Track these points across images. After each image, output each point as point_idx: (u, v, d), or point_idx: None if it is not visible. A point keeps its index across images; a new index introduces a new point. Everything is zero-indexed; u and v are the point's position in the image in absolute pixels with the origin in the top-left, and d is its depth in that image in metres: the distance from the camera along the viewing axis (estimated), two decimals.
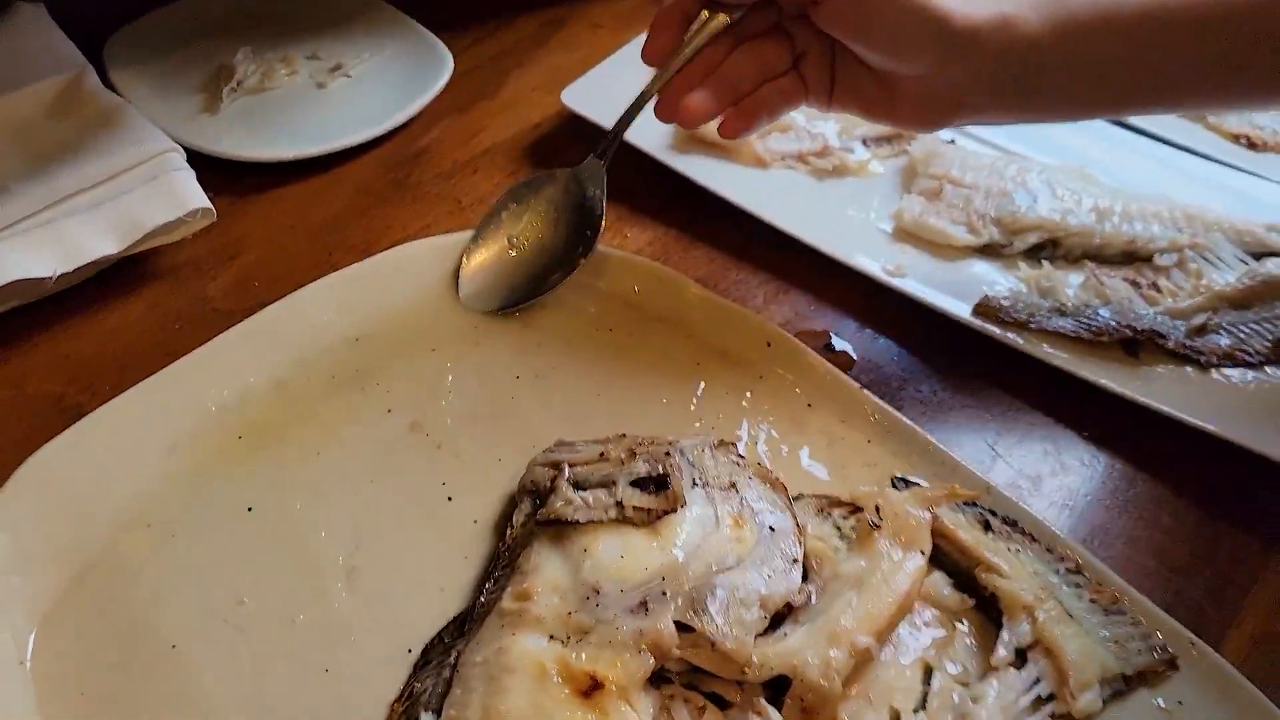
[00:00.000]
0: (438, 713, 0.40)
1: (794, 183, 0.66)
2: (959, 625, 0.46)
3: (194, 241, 0.58)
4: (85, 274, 0.55)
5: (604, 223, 0.55)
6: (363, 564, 0.45)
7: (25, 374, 0.52)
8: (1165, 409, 0.53)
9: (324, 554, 0.45)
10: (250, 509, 0.46)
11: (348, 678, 0.42)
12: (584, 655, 0.40)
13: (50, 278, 0.52)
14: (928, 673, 0.44)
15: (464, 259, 0.56)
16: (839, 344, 0.57)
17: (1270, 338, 0.58)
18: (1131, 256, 0.63)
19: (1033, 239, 0.63)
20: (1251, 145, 0.72)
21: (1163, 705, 0.44)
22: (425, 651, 0.43)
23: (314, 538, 0.46)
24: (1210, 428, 0.53)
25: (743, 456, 0.49)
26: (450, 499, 0.48)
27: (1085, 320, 0.57)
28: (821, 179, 0.66)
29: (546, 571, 0.43)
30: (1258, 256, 0.63)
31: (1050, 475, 0.53)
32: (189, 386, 0.49)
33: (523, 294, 0.55)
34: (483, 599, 0.44)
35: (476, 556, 0.46)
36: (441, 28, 0.74)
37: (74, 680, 0.40)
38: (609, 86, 0.67)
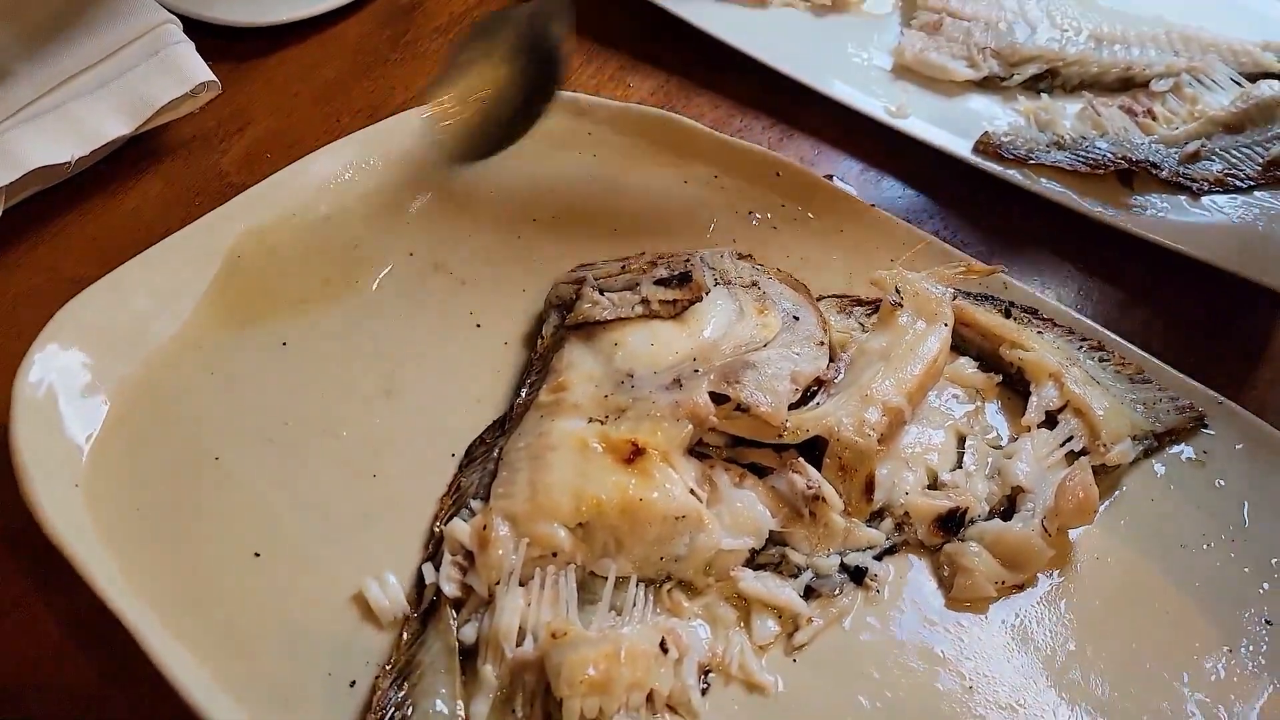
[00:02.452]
0: (485, 499, 0.41)
1: (794, 21, 0.65)
2: (988, 401, 0.46)
3: (201, 115, 0.58)
4: (99, 155, 0.55)
5: (570, 64, 0.54)
6: (399, 385, 0.46)
7: (58, 258, 0.52)
8: (1158, 238, 0.54)
9: (361, 379, 0.46)
10: (285, 344, 0.47)
11: (395, 480, 0.43)
12: (623, 428, 0.40)
13: (69, 162, 0.53)
14: (960, 440, 0.45)
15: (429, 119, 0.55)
16: (843, 187, 0.57)
17: (1260, 161, 0.59)
18: (1128, 83, 0.64)
19: (1032, 70, 0.63)
20: None
21: (1193, 457, 0.45)
22: (469, 451, 0.43)
23: (350, 366, 0.47)
24: (1199, 255, 0.53)
25: (762, 265, 0.49)
26: (479, 325, 0.49)
27: (1082, 154, 0.58)
28: (821, 15, 0.66)
29: (580, 366, 0.44)
30: (1253, 78, 0.63)
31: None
32: (218, 238, 0.50)
33: (487, 148, 0.54)
34: (520, 399, 0.45)
35: (509, 370, 0.47)
36: None
37: (128, 499, 0.41)
38: None
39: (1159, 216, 0.56)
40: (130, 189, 0.56)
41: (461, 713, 0.36)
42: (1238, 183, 0.58)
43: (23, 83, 0.54)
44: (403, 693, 0.36)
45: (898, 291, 0.46)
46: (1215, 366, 0.51)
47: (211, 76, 0.57)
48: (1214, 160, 0.59)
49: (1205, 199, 0.57)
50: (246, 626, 0.38)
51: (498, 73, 0.55)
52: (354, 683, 0.37)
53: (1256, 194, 0.58)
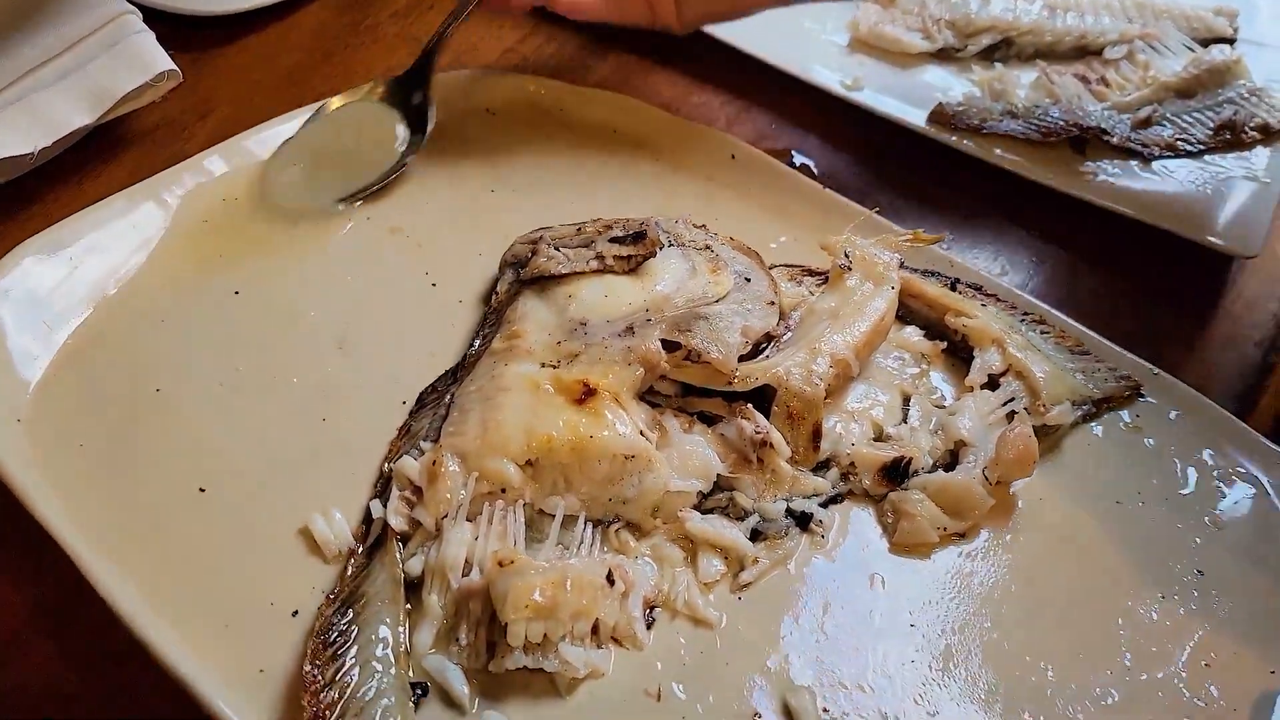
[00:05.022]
0: (436, 440, 0.41)
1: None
2: (933, 368, 0.48)
3: (164, 104, 0.59)
4: (63, 146, 0.55)
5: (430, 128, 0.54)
6: (353, 337, 0.46)
7: (12, 244, 0.52)
8: (1109, 204, 0.56)
9: (314, 329, 0.46)
10: (237, 293, 0.47)
11: (345, 425, 0.43)
12: (575, 370, 0.41)
13: (32, 153, 0.53)
14: (906, 399, 0.46)
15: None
16: (800, 159, 0.59)
17: (1211, 125, 0.61)
18: (1083, 51, 0.65)
19: (986, 40, 0.65)
20: None
21: (1129, 422, 0.46)
22: (420, 398, 0.44)
23: (303, 317, 0.47)
24: (1149, 219, 0.55)
25: (716, 233, 0.51)
26: (434, 284, 0.49)
27: (1035, 121, 0.60)
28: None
29: (534, 316, 0.44)
30: (1205, 44, 0.65)
31: (1000, 274, 0.55)
32: (170, 193, 0.50)
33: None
34: (473, 349, 0.45)
35: (463, 326, 0.47)
36: None
37: (73, 436, 0.41)
38: None
39: (1110, 182, 0.58)
40: (96, 177, 0.56)
41: (405, 639, 0.36)
42: (1188, 147, 0.60)
43: None
44: (347, 619, 0.36)
45: (847, 256, 0.47)
46: (1167, 327, 0.53)
47: (172, 66, 0.57)
48: (1165, 125, 0.61)
49: (1156, 163, 0.59)
50: (189, 558, 0.38)
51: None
52: (296, 612, 0.37)
53: (1206, 158, 0.60)
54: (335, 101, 0.55)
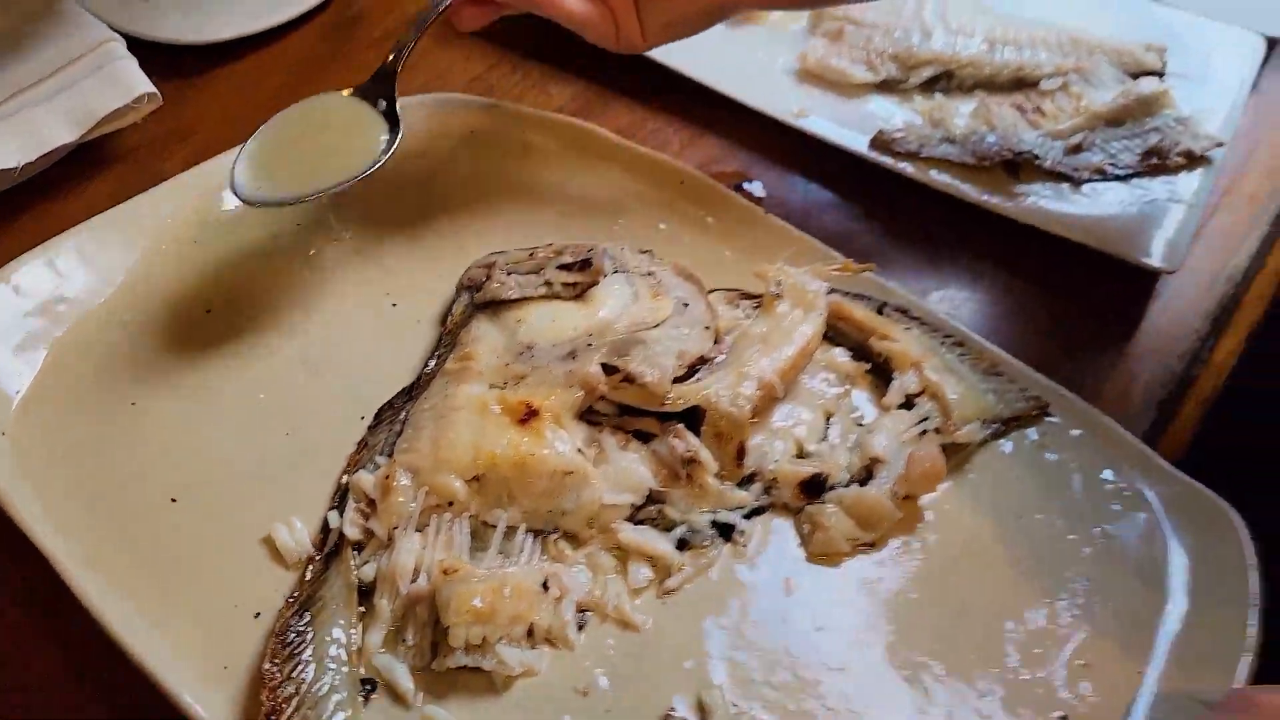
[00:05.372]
0: (390, 455, 0.44)
1: (707, 32, 0.70)
2: (856, 388, 0.51)
3: (146, 126, 0.62)
4: (48, 162, 0.58)
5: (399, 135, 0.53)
6: (316, 356, 0.50)
7: (5, 257, 0.54)
8: (1040, 223, 0.59)
9: (282, 347, 0.50)
10: (209, 311, 0.51)
11: (307, 439, 0.46)
12: (520, 392, 0.45)
13: (15, 168, 0.56)
14: (828, 418, 0.49)
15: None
16: (751, 188, 0.62)
17: (1138, 151, 0.64)
18: (1020, 83, 0.68)
19: (928, 73, 0.68)
20: None
21: (1036, 440, 0.50)
22: (378, 414, 0.47)
23: (270, 336, 0.50)
24: (1079, 238, 0.59)
25: (661, 259, 0.54)
26: (394, 305, 0.53)
27: (970, 146, 0.63)
28: (734, 27, 0.70)
29: (485, 339, 0.48)
30: (1135, 76, 0.69)
31: (936, 289, 0.58)
32: (149, 215, 0.53)
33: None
34: (427, 369, 0.48)
35: (420, 346, 0.51)
36: None
37: (54, 447, 0.44)
38: None
39: (1042, 204, 0.61)
40: (79, 193, 0.60)
41: (357, 640, 0.39)
42: (1117, 171, 0.63)
43: None
44: (304, 621, 0.39)
45: (778, 284, 0.51)
46: (1097, 341, 0.56)
47: (152, 89, 0.60)
48: (1095, 151, 0.64)
49: (1086, 187, 0.62)
50: (161, 564, 0.41)
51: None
52: (259, 614, 0.40)
53: (1134, 181, 0.63)
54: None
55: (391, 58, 0.55)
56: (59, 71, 0.60)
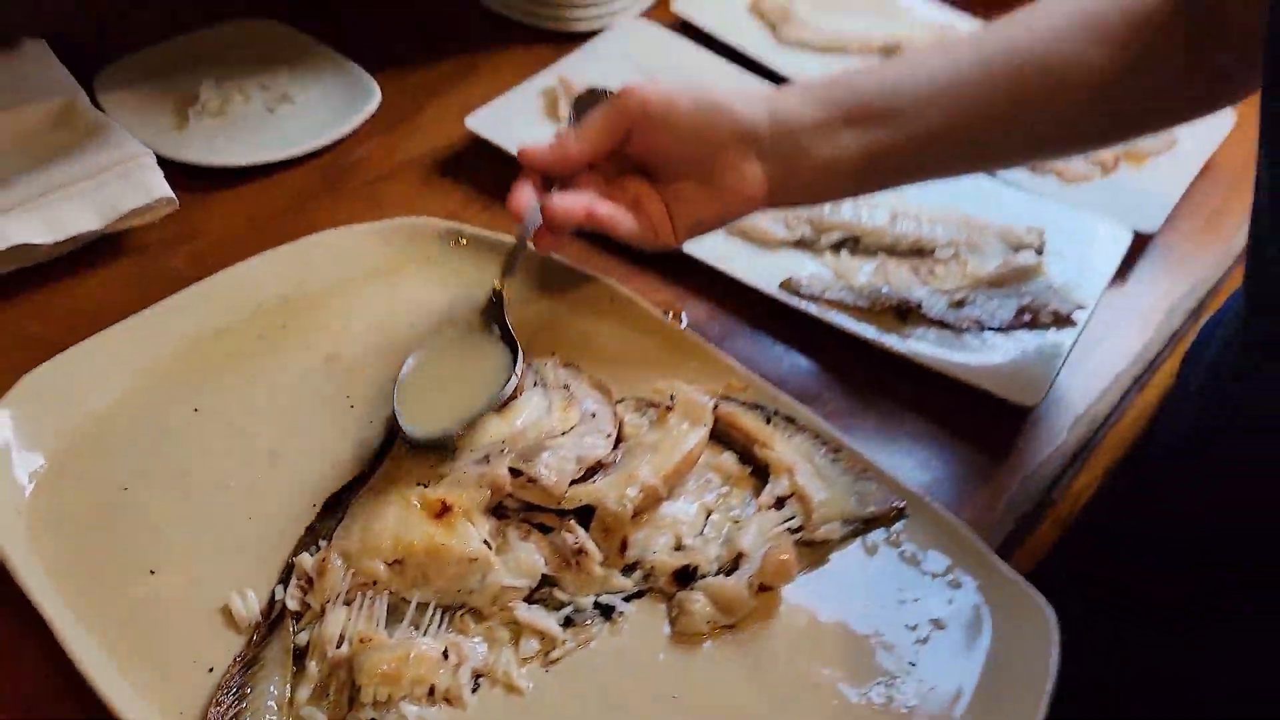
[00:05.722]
0: (329, 540, 0.53)
1: None
2: (739, 490, 0.60)
3: (162, 226, 0.73)
4: (72, 246, 0.69)
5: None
6: (282, 450, 0.59)
7: (24, 321, 0.66)
8: (922, 359, 0.68)
9: (252, 442, 0.59)
10: (196, 410, 0.60)
11: (265, 523, 0.55)
12: (439, 491, 0.54)
13: (44, 245, 0.67)
14: (708, 514, 0.58)
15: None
16: (683, 321, 0.71)
17: (1013, 310, 0.73)
18: (918, 251, 0.78)
19: (836, 236, 0.78)
20: (1032, 168, 0.88)
21: (889, 538, 0.58)
22: (325, 503, 0.56)
23: (244, 432, 0.60)
24: (953, 374, 0.68)
25: (580, 370, 0.63)
26: (353, 407, 0.62)
27: (867, 293, 0.72)
28: None
29: None
30: (1016, 250, 0.78)
31: (828, 416, 0.66)
32: (153, 328, 0.63)
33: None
34: (369, 467, 0.58)
35: (370, 443, 0.60)
36: (373, 67, 0.90)
37: (59, 525, 0.54)
38: (504, 115, 0.83)
39: (926, 346, 0.70)
40: (96, 275, 0.71)
41: (289, 694, 0.48)
42: (993, 324, 0.72)
43: (18, 190, 0.68)
44: (246, 676, 0.48)
45: (672, 398, 0.60)
46: (968, 463, 0.65)
47: (170, 194, 0.71)
48: (975, 307, 0.73)
49: (966, 336, 0.72)
50: (139, 623, 0.51)
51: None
52: (211, 669, 0.49)
53: (1008, 334, 0.72)
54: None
55: (496, 288, 0.64)
56: (95, 175, 0.71)
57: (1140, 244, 0.81)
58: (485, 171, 0.81)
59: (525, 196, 0.61)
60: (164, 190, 0.71)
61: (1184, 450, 0.66)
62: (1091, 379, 0.72)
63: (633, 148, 0.63)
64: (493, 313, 0.63)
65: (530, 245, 0.64)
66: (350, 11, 0.99)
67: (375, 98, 0.87)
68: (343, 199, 0.79)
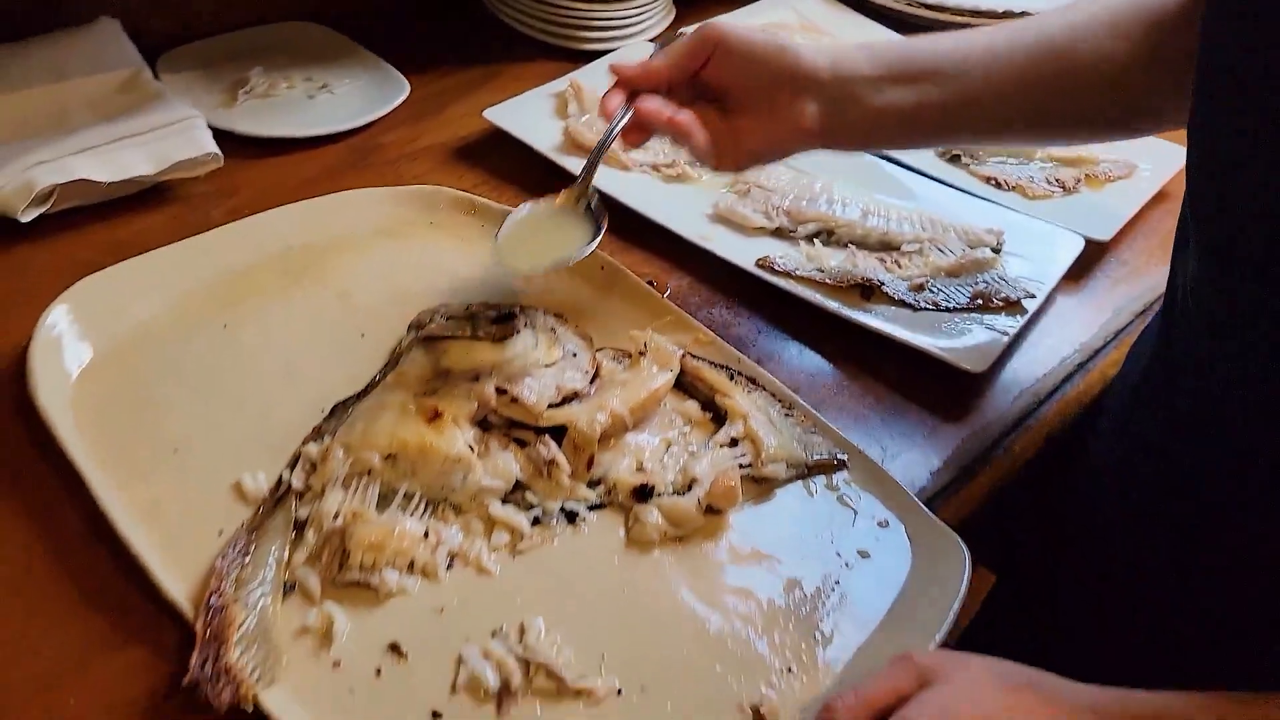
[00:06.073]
0: (334, 436, 0.61)
1: (648, 184, 0.90)
2: (699, 432, 0.67)
3: (206, 181, 0.82)
4: (126, 190, 0.78)
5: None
6: (298, 368, 0.67)
7: (78, 248, 0.74)
8: (882, 330, 0.76)
9: (272, 357, 0.67)
10: (225, 326, 0.68)
11: (281, 421, 0.63)
12: (432, 400, 0.61)
13: (102, 183, 0.75)
14: (668, 447, 0.65)
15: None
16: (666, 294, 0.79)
17: (968, 294, 0.81)
18: (885, 245, 0.86)
19: (812, 227, 0.86)
20: (998, 185, 0.97)
21: (829, 484, 0.65)
22: (333, 409, 0.64)
23: (266, 348, 0.68)
24: (910, 342, 0.75)
25: (567, 320, 0.71)
26: (363, 335, 0.70)
27: (835, 273, 0.80)
28: (669, 183, 0.90)
29: (416, 363, 0.65)
30: (974, 246, 0.87)
31: (789, 378, 0.73)
32: (193, 255, 0.72)
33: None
34: (373, 380, 0.65)
35: (375, 365, 0.68)
36: (405, 69, 1.00)
37: (98, 407, 0.62)
38: (519, 111, 0.93)
39: (886, 321, 0.77)
40: (144, 217, 0.79)
41: (287, 557, 0.55)
42: (949, 305, 0.80)
43: (86, 137, 0.77)
44: (251, 537, 0.55)
45: (645, 345, 0.67)
46: (921, 427, 0.72)
47: (216, 150, 0.80)
48: (934, 291, 0.81)
49: (924, 314, 0.79)
50: (161, 488, 0.58)
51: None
52: (221, 531, 0.56)
53: (962, 315, 0.80)
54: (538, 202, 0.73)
55: (583, 174, 0.72)
56: (152, 130, 0.80)
57: (1098, 256, 0.89)
58: (498, 159, 0.90)
59: (615, 101, 0.70)
60: (211, 147, 0.80)
61: (1115, 430, 0.73)
62: (1038, 363, 0.79)
63: (708, 75, 0.70)
64: (580, 195, 0.72)
65: (615, 142, 0.71)
66: (388, 22, 1.10)
67: (404, 91, 0.97)
68: (367, 173, 0.88)
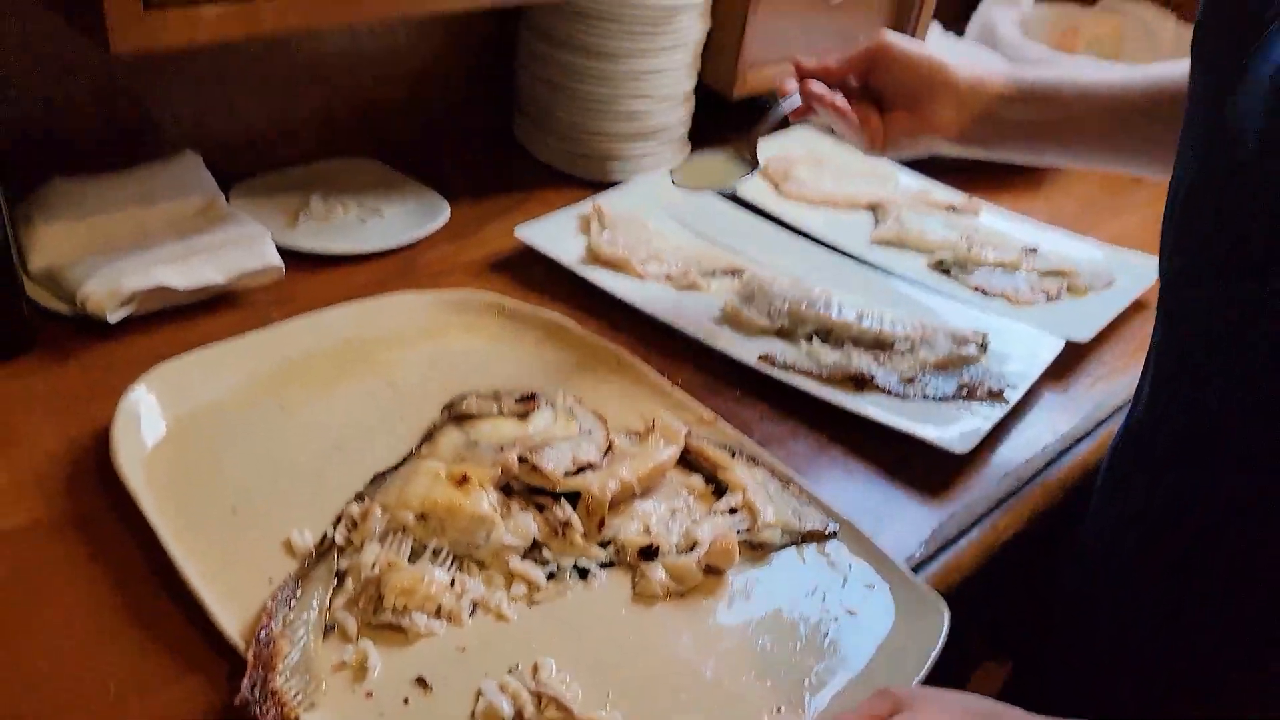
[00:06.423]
0: (372, 499, 0.68)
1: (661, 291, 0.99)
2: (702, 503, 0.74)
3: (268, 290, 0.92)
4: (201, 295, 0.89)
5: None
6: (345, 443, 0.75)
7: (158, 345, 0.84)
8: (874, 416, 0.83)
9: (322, 434, 0.76)
10: (282, 407, 0.77)
11: (329, 486, 0.71)
12: (460, 468, 0.69)
13: (179, 289, 0.86)
14: (673, 513, 0.72)
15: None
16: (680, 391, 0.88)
17: (952, 387, 0.88)
18: (880, 344, 0.94)
19: (811, 327, 0.94)
20: (985, 294, 1.05)
21: (821, 552, 0.71)
22: (373, 478, 0.71)
23: (317, 427, 0.76)
24: (899, 427, 0.82)
25: (583, 403, 0.79)
26: (403, 418, 0.78)
27: (830, 367, 0.88)
28: (680, 291, 1.00)
29: (448, 437, 0.73)
30: (960, 343, 0.94)
31: (788, 459, 0.81)
32: (257, 346, 0.81)
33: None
34: (409, 454, 0.73)
35: (412, 441, 0.76)
36: (447, 196, 1.12)
37: (167, 475, 0.70)
38: (547, 229, 1.03)
39: (877, 409, 0.85)
40: (213, 318, 0.89)
41: (327, 602, 0.62)
42: (936, 395, 0.87)
43: (168, 252, 0.89)
44: (298, 584, 0.62)
45: (653, 422, 0.75)
46: (907, 500, 0.78)
47: (279, 262, 0.91)
48: (923, 383, 0.88)
49: (913, 402, 0.86)
50: (220, 542, 0.65)
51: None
52: (271, 579, 0.63)
53: (949, 403, 0.87)
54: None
55: (751, 131, 0.90)
56: (224, 245, 0.91)
57: (1079, 357, 0.97)
58: (528, 272, 1.00)
59: (793, 84, 0.87)
60: (274, 258, 0.91)
61: (1099, 508, 0.79)
62: (1022, 448, 0.86)
63: (873, 77, 0.85)
64: (744, 145, 0.90)
65: (784, 115, 0.89)
66: (432, 154, 1.23)
67: (445, 214, 1.08)
68: (411, 283, 0.98)
